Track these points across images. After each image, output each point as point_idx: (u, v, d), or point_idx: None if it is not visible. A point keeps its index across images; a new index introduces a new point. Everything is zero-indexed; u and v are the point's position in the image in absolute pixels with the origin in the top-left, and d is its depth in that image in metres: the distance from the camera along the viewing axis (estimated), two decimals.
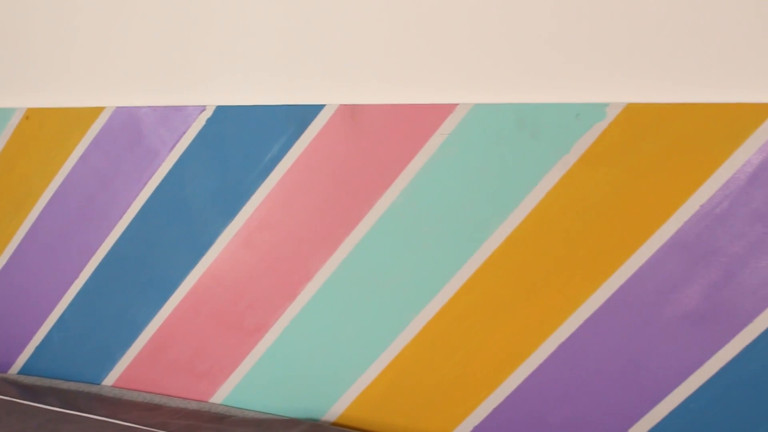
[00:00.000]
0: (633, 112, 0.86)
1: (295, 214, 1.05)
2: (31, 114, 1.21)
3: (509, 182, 0.92)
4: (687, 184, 0.85)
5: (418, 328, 1.00)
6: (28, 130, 1.21)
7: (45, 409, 1.12)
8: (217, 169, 1.09)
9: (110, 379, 1.23)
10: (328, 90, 1.02)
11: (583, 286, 0.91)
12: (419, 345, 1.00)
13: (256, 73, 1.06)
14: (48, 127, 1.20)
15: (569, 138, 0.89)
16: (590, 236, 0.90)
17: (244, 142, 1.06)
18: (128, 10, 1.13)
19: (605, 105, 0.87)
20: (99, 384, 1.24)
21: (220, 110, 1.07)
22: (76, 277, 1.22)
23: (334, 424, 1.07)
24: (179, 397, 1.17)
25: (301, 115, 1.02)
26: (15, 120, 1.22)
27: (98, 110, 1.15)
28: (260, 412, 1.11)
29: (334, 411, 1.07)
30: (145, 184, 1.14)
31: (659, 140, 0.85)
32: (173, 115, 1.10)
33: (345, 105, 0.99)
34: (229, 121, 1.07)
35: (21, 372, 1.30)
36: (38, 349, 1.28)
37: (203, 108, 1.08)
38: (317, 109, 1.01)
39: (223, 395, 1.15)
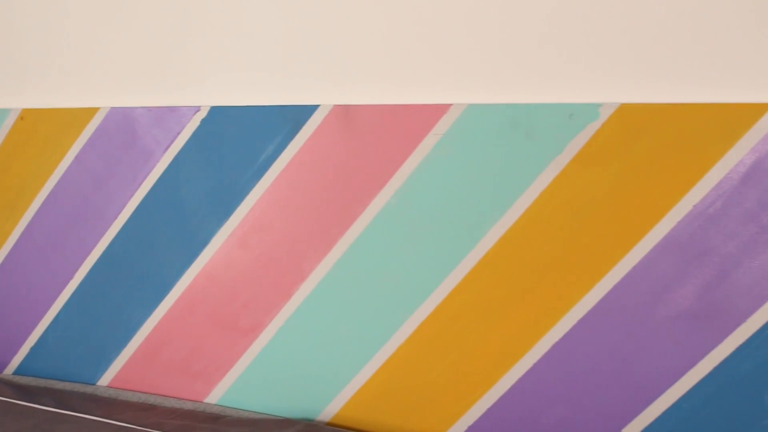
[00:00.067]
0: (626, 112, 0.86)
1: (289, 214, 1.05)
2: (25, 114, 1.21)
3: (503, 182, 0.92)
4: (680, 183, 0.85)
5: (412, 328, 1.00)
6: (22, 131, 1.21)
7: (40, 409, 1.12)
8: (212, 170, 1.09)
9: (105, 380, 1.23)
10: (323, 90, 1.02)
11: (576, 286, 0.91)
12: (414, 345, 1.00)
13: (250, 73, 1.06)
14: (43, 128, 1.20)
15: (563, 138, 0.89)
16: (584, 236, 0.90)
17: (238, 142, 1.06)
18: (123, 11, 1.13)
19: (598, 105, 0.87)
20: (94, 384, 1.24)
21: (215, 111, 1.07)
22: (71, 277, 1.22)
23: (329, 424, 1.07)
24: (174, 397, 1.17)
25: (295, 116, 1.02)
26: (10, 120, 1.22)
27: (93, 111, 1.15)
28: (255, 412, 1.12)
29: (329, 411, 1.07)
30: (140, 184, 1.14)
31: (652, 140, 0.86)
32: (168, 116, 1.10)
33: (339, 105, 1.00)
34: (223, 122, 1.07)
35: (16, 372, 1.30)
36: (33, 349, 1.28)
37: (198, 108, 1.08)
38: (311, 109, 1.01)
39: (218, 395, 1.15)
